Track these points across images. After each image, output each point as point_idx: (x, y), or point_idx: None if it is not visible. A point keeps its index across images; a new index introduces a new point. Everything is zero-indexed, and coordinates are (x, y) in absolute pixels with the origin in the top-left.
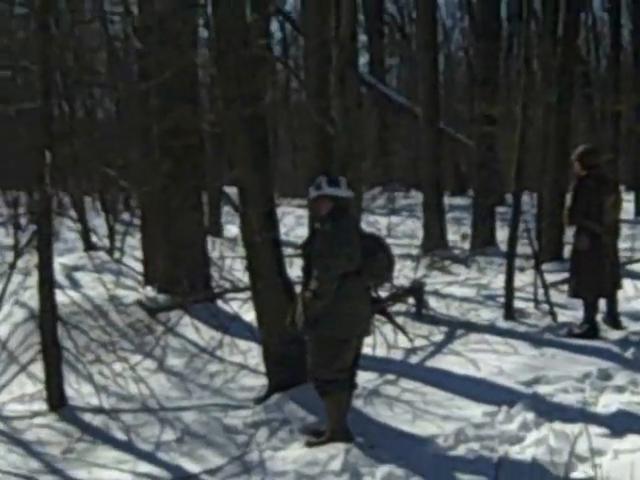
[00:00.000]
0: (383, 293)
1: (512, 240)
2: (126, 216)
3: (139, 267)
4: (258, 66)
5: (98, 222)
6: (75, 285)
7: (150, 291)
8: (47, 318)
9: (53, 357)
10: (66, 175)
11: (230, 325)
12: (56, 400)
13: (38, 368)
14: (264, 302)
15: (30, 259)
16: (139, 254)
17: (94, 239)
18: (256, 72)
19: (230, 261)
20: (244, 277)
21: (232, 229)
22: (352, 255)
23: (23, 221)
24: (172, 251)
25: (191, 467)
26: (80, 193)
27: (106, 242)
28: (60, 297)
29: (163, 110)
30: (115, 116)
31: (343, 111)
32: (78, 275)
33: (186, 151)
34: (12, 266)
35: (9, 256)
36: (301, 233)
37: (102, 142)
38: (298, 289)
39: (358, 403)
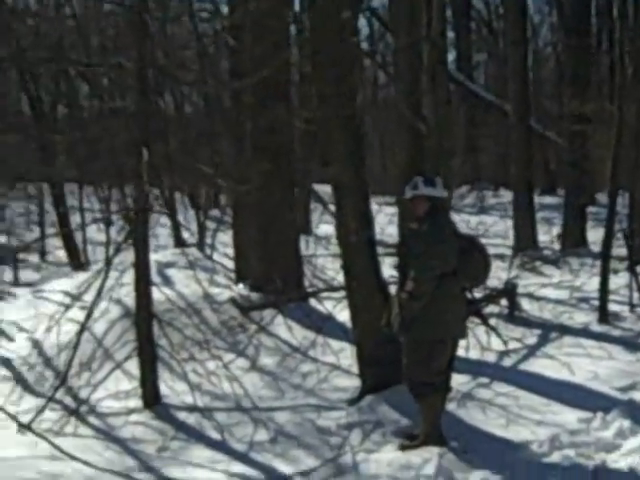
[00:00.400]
0: (476, 294)
1: (607, 241)
2: (215, 212)
3: (230, 264)
4: (352, 63)
5: (187, 218)
6: (167, 282)
7: (243, 289)
8: (143, 315)
9: (148, 354)
10: (160, 173)
11: (323, 325)
12: (151, 398)
13: (133, 365)
14: (359, 302)
15: (126, 255)
16: (229, 251)
17: (185, 235)
18: (352, 69)
19: (322, 260)
20: (337, 276)
21: (323, 227)
22: (449, 255)
23: (114, 218)
24: (266, 249)
25: (284, 468)
26: (173, 189)
27: (197, 239)
28: (154, 294)
29: (258, 108)
30: (204, 111)
31: (434, 108)
32: (170, 272)
33: (279, 149)
34: (108, 262)
35: (100, 251)
36: (393, 232)
37: (194, 139)
38: (389, 288)
39: (451, 406)
